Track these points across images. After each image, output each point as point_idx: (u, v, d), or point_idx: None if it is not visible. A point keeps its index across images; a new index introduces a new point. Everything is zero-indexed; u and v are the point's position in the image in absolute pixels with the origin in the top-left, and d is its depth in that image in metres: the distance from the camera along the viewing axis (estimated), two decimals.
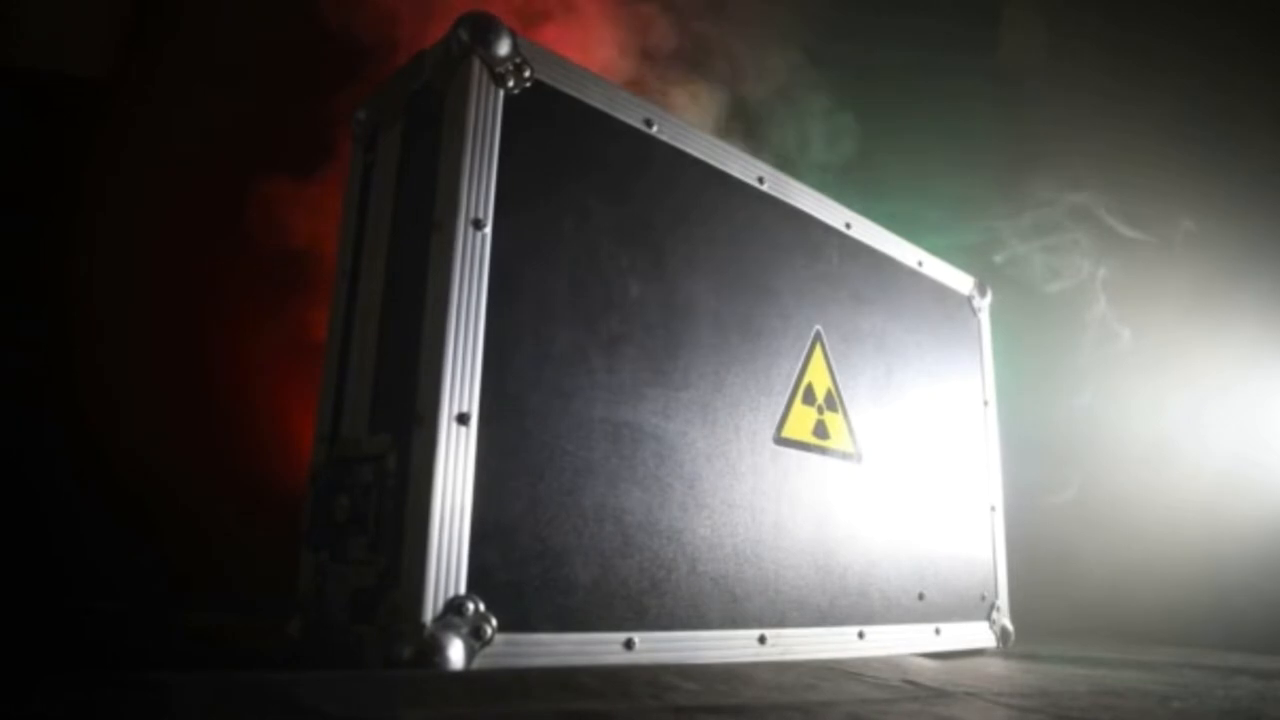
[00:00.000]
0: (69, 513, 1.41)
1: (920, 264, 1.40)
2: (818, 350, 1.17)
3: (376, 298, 0.93)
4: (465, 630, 0.76)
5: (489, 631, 0.77)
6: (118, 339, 1.50)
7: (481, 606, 0.77)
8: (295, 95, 1.64)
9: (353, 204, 1.01)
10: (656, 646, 0.90)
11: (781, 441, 1.09)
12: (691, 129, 1.08)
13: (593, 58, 1.70)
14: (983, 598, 1.38)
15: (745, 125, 1.88)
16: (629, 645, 0.88)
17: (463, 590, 0.76)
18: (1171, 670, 1.13)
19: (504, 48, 0.89)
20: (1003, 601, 1.41)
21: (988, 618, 1.38)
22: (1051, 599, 1.83)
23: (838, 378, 1.20)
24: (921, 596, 1.25)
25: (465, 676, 0.75)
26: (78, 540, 1.40)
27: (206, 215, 1.63)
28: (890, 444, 1.27)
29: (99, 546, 1.42)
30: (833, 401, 1.19)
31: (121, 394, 1.48)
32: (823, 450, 1.15)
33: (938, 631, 1.26)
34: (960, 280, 1.49)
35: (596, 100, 0.97)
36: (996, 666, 1.14)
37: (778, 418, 1.10)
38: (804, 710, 0.73)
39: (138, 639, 1.10)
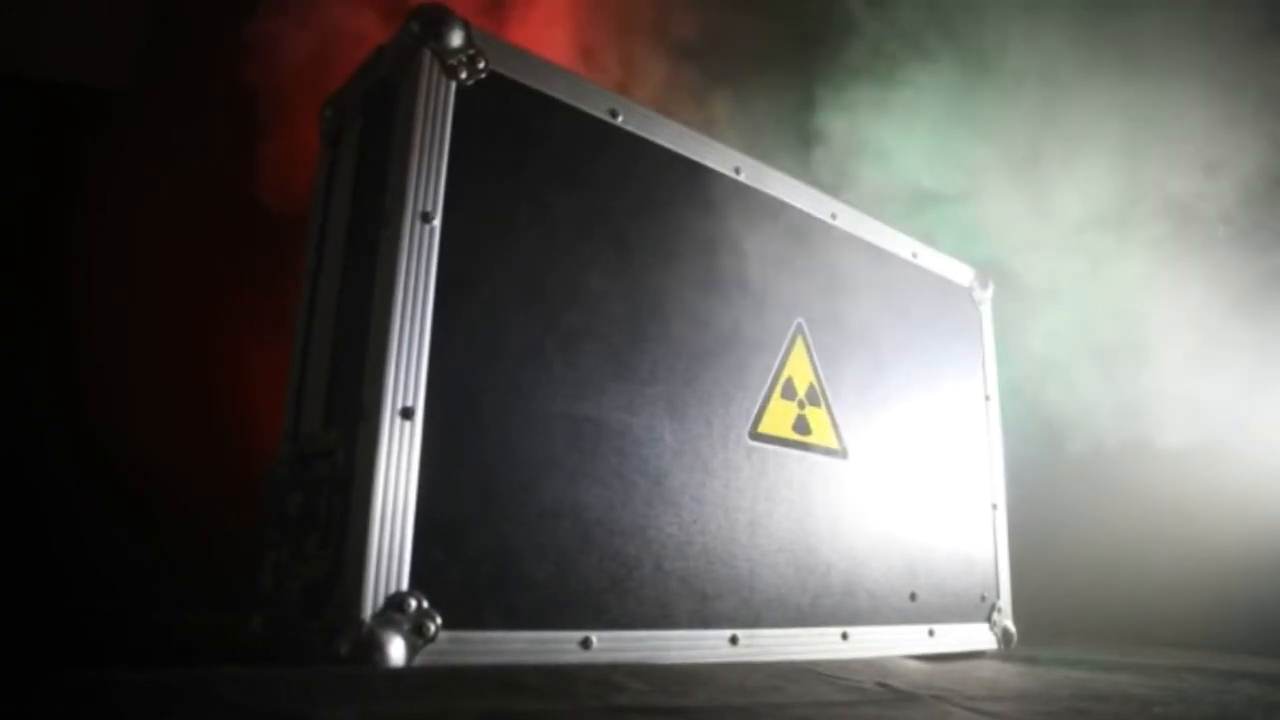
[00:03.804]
0: (69, 513, 1.43)
1: (915, 255, 1.37)
2: (799, 344, 1.15)
3: (334, 293, 0.92)
4: (407, 627, 0.75)
5: (433, 629, 0.76)
6: (119, 339, 1.53)
7: (425, 603, 0.76)
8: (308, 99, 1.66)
9: (318, 200, 1.01)
10: (617, 646, 0.88)
11: (758, 437, 1.07)
12: (661, 119, 1.06)
13: None
14: (983, 598, 1.33)
15: None
16: (586, 644, 0.86)
17: (405, 586, 0.75)
18: (1171, 674, 1.08)
19: (456, 39, 0.88)
20: (1004, 603, 1.36)
21: (988, 619, 1.33)
22: (1073, 600, 1.77)
23: (821, 372, 1.17)
24: (914, 597, 1.22)
25: (405, 674, 0.74)
26: (78, 540, 1.43)
27: (211, 219, 1.66)
28: (880, 440, 1.23)
29: (99, 546, 1.44)
30: (815, 396, 1.16)
31: (122, 394, 1.50)
32: (804, 446, 1.12)
33: (931, 633, 1.22)
34: (959, 272, 1.45)
35: (557, 91, 0.96)
36: (987, 669, 1.10)
37: (754, 413, 1.07)
38: (749, 712, 0.71)
39: (138, 639, 1.11)
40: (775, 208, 1.17)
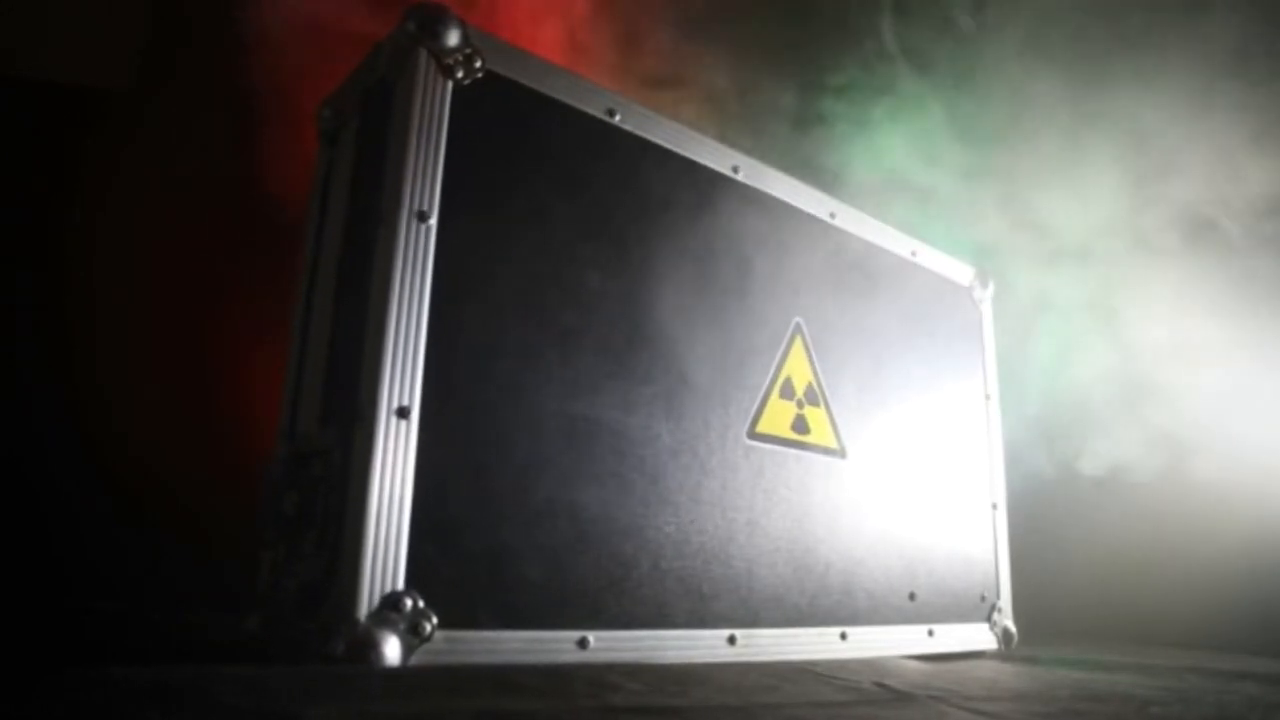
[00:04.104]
0: (69, 512, 1.43)
1: (914, 254, 1.36)
2: (798, 343, 1.14)
3: (330, 293, 0.92)
4: (403, 626, 0.75)
5: (428, 628, 0.76)
6: (119, 339, 1.53)
7: (421, 603, 0.76)
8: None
9: (316, 200, 1.01)
10: (614, 645, 0.88)
11: (756, 436, 1.07)
12: (659, 118, 1.06)
13: None
14: (983, 598, 1.33)
15: None
16: (583, 644, 0.86)
17: (400, 586, 0.75)
18: (1172, 675, 1.08)
19: (453, 39, 0.88)
20: (1005, 602, 1.36)
21: (988, 619, 1.33)
22: (1075, 601, 1.76)
23: (820, 371, 1.17)
24: (913, 597, 1.21)
25: (401, 673, 0.73)
26: (78, 540, 1.43)
27: (213, 218, 1.66)
28: (879, 440, 1.23)
29: (99, 546, 1.44)
30: (814, 396, 1.15)
31: (122, 394, 1.51)
32: (802, 445, 1.12)
33: (931, 633, 1.22)
34: (959, 271, 1.45)
35: (554, 90, 0.96)
36: (986, 669, 1.09)
37: (752, 412, 1.07)
38: (745, 712, 0.70)
39: (135, 639, 1.11)
40: (773, 206, 1.16)
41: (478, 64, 0.89)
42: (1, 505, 1.36)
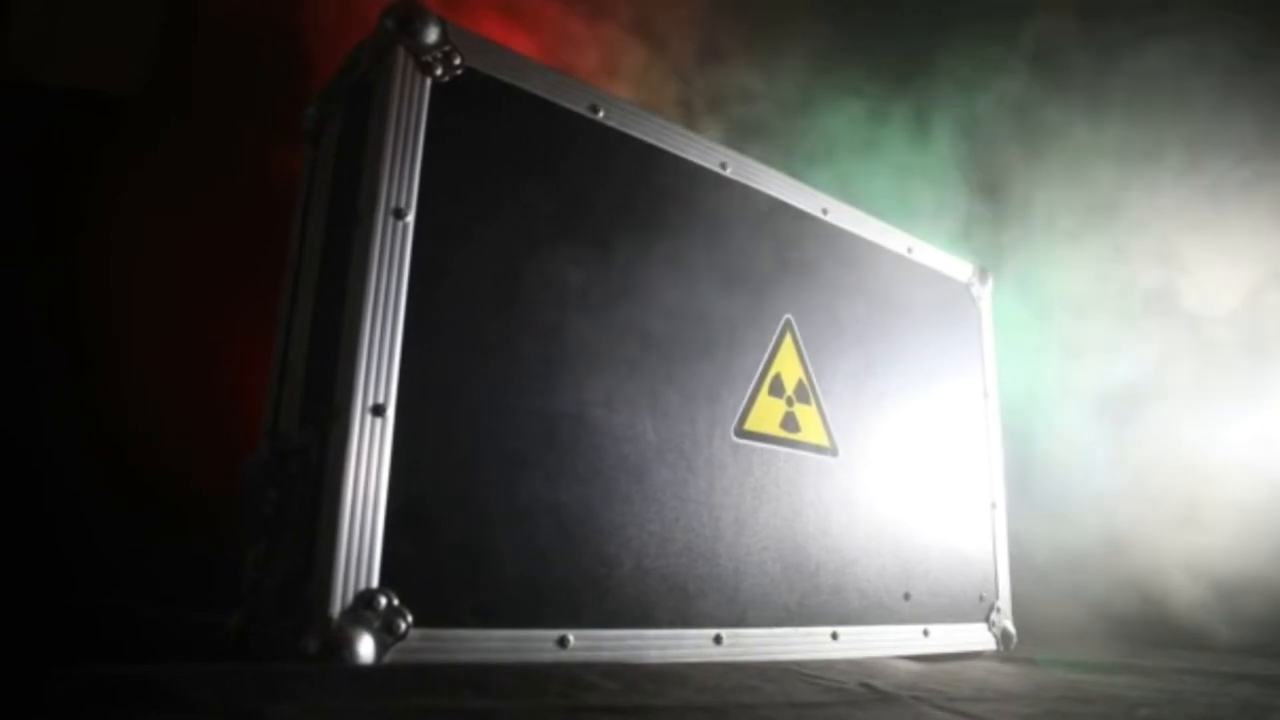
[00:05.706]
0: (76, 510, 1.44)
1: (910, 250, 1.35)
2: (787, 340, 1.13)
3: (311, 291, 0.92)
4: (377, 624, 0.74)
5: (403, 626, 0.75)
6: (126, 337, 1.54)
7: (395, 600, 0.76)
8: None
9: (300, 200, 1.02)
10: (595, 645, 0.87)
11: (744, 434, 1.06)
12: (645, 114, 1.05)
13: None
14: (981, 598, 1.31)
15: None
16: (563, 643, 0.85)
17: (375, 583, 0.75)
18: (1170, 676, 1.06)
19: (431, 36, 0.88)
20: (1004, 603, 1.34)
21: (986, 619, 1.31)
22: (1081, 601, 1.74)
23: (811, 368, 1.15)
24: (908, 596, 1.20)
25: (373, 671, 0.73)
26: (84, 537, 1.44)
27: (227, 218, 1.67)
28: (872, 438, 1.22)
29: (108, 543, 1.45)
30: (805, 393, 1.14)
31: (134, 390, 1.52)
32: (792, 444, 1.11)
33: (926, 633, 1.20)
34: (957, 267, 1.43)
35: (536, 87, 0.95)
36: (979, 670, 1.08)
37: (740, 410, 1.06)
38: (718, 712, 0.70)
39: (147, 636, 1.12)
40: (763, 203, 1.15)
41: (457, 61, 0.89)
42: (9, 502, 1.37)
